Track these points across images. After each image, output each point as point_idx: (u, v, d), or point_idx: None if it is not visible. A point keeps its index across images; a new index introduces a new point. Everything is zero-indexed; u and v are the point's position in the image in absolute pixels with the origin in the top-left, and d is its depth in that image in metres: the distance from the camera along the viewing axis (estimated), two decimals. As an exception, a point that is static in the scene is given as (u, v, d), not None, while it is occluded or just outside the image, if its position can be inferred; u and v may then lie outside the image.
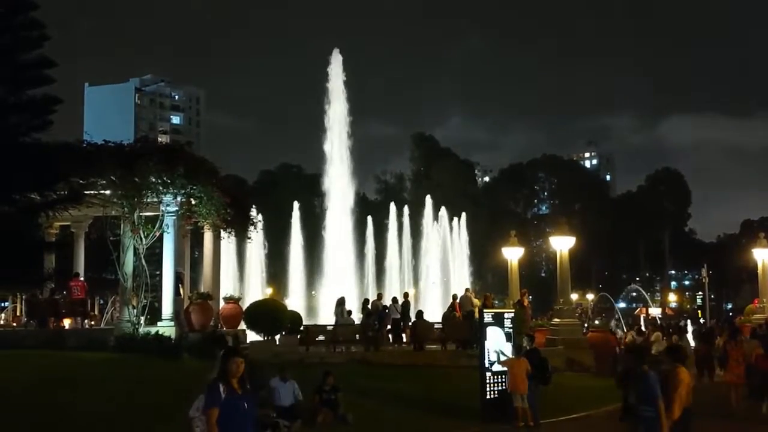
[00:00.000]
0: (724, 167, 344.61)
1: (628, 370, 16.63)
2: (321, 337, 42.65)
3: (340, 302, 44.25)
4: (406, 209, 77.49)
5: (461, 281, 66.85)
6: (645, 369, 15.18)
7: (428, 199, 78.95)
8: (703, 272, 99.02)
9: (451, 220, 78.59)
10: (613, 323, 70.43)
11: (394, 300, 44.21)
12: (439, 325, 43.18)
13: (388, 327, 43.05)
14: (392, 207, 75.89)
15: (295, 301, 61.41)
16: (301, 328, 44.77)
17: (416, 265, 77.81)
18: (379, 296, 46.40)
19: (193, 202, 40.56)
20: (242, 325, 43.07)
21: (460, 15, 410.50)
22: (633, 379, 15.92)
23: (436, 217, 78.40)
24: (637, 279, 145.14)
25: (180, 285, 42.43)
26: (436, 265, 76.23)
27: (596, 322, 72.36)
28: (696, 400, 16.41)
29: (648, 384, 15.00)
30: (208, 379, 12.20)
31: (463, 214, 79.83)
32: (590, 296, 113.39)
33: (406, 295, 45.72)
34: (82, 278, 45.77)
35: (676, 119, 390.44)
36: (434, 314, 48.06)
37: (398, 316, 42.71)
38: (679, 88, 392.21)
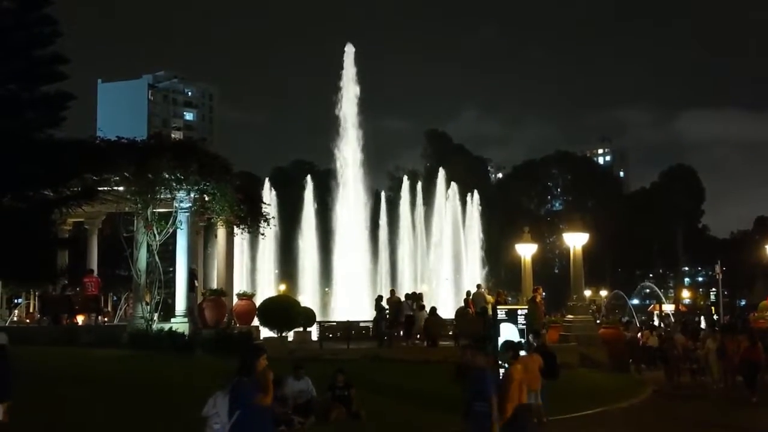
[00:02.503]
0: (740, 163, 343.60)
1: (464, 364, 16.60)
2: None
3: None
4: (419, 207, 77.28)
5: (474, 278, 66.64)
6: (480, 364, 15.19)
7: (441, 196, 78.63)
8: (717, 269, 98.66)
9: (464, 216, 78.31)
10: (625, 320, 70.17)
11: (407, 296, 44.17)
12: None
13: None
14: (405, 205, 75.74)
15: (308, 297, 61.35)
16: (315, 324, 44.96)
17: (429, 262, 77.58)
18: (392, 293, 46.30)
19: (207, 199, 40.59)
20: (255, 322, 43.12)
21: (473, 7, 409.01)
22: (468, 374, 15.94)
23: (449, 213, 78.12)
24: (651, 275, 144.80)
25: (195, 281, 42.50)
26: (448, 262, 76.06)
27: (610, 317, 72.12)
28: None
29: (485, 380, 15.03)
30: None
31: (476, 212, 79.58)
32: (603, 293, 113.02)
33: (414, 293, 45.62)
34: (95, 274, 45.86)
35: (693, 114, 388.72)
36: (447, 311, 48.01)
37: (411, 312, 42.68)
38: (698, 83, 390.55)
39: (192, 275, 41.97)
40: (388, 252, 73.67)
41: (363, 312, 52.87)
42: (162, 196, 39.48)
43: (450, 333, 44.36)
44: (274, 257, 72.29)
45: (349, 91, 66.93)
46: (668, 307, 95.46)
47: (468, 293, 46.10)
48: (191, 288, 41.49)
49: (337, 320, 48.04)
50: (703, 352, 36.80)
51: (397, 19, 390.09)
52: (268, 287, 65.78)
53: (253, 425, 11.70)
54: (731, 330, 36.86)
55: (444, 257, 75.87)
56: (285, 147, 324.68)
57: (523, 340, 25.65)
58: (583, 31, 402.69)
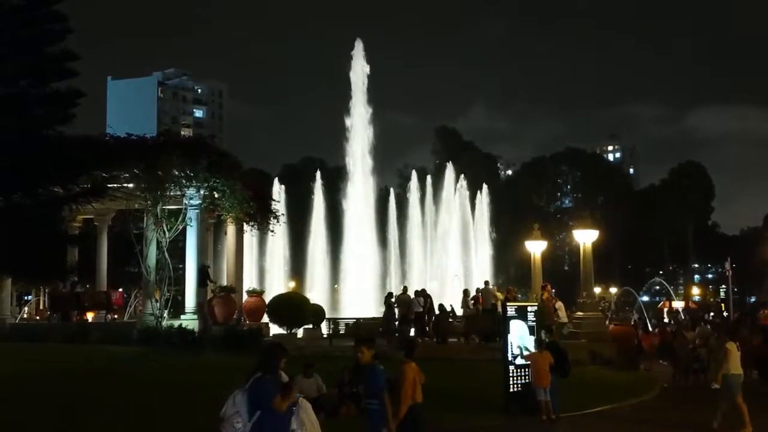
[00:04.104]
0: (750, 160, 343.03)
1: (357, 362, 16.57)
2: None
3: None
4: (429, 204, 77.16)
5: (483, 275, 66.49)
6: (372, 362, 15.16)
7: (450, 193, 78.44)
8: (727, 265, 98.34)
9: (473, 212, 78.17)
10: (635, 317, 69.97)
11: (417, 293, 44.10)
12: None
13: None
14: (415, 202, 75.66)
15: (317, 294, 61.33)
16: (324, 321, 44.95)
17: (438, 259, 77.43)
18: (405, 290, 46.20)
19: (216, 196, 40.67)
20: (265, 319, 43.14)
21: (482, 2, 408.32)
22: (362, 371, 15.90)
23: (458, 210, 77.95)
24: (661, 272, 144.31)
25: (207, 278, 42.52)
26: (458, 259, 75.91)
27: (620, 314, 71.89)
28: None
29: (374, 377, 14.98)
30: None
31: (486, 208, 79.46)
32: (613, 290, 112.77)
33: (423, 291, 45.46)
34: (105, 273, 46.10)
35: (704, 111, 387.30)
36: (456, 307, 47.91)
37: (421, 309, 42.61)
38: (709, 80, 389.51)
39: (205, 272, 42.01)
40: (398, 249, 73.59)
41: (372, 309, 52.85)
42: (171, 193, 39.59)
43: (459, 330, 44.27)
44: (283, 254, 72.23)
45: (359, 87, 66.82)
46: (678, 304, 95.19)
47: (477, 290, 45.99)
48: (204, 285, 41.55)
49: (346, 317, 48.01)
50: (705, 350, 36.50)
51: (405, 15, 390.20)
52: (277, 284, 65.74)
53: (274, 427, 11.56)
54: (735, 327, 36.62)
55: (453, 254, 75.65)
56: (294, 144, 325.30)
57: (534, 337, 25.63)
58: (594, 27, 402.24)
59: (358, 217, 65.72)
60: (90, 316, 45.61)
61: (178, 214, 40.35)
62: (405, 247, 74.60)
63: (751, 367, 34.78)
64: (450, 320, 43.67)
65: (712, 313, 79.36)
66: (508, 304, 28.61)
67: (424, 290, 45.30)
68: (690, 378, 37.03)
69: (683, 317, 62.46)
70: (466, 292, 45.43)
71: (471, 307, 43.49)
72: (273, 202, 49.51)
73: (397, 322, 42.73)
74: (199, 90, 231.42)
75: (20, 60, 33.34)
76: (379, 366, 15.25)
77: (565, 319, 43.25)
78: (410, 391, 16.00)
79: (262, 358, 11.92)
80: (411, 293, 44.18)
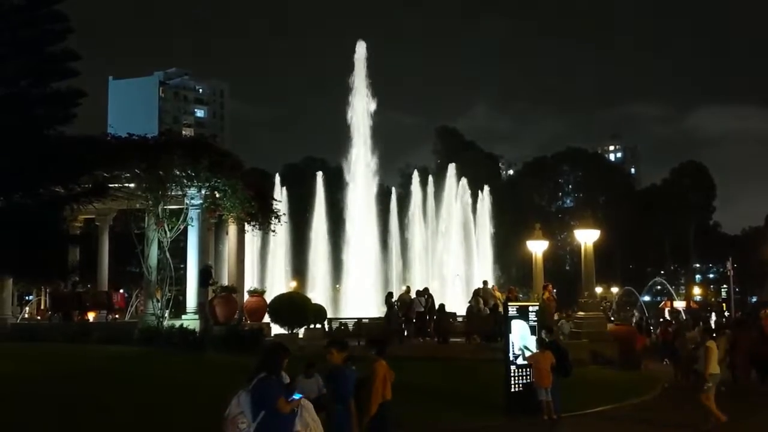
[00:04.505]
0: (752, 160, 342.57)
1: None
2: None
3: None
4: (430, 203, 77.16)
5: (485, 275, 66.43)
6: (343, 364, 15.15)
7: (451, 192, 78.36)
8: (728, 265, 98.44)
9: (474, 212, 78.15)
10: (636, 316, 70.00)
11: (418, 293, 44.08)
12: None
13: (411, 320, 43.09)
14: (416, 202, 75.68)
15: (319, 294, 61.35)
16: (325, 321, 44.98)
17: (439, 258, 77.39)
18: (408, 290, 46.13)
19: (218, 195, 40.66)
20: (266, 319, 43.15)
21: (483, 2, 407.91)
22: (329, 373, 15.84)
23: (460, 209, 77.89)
24: (662, 272, 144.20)
25: (210, 278, 42.51)
26: (459, 259, 75.87)
27: (621, 314, 71.99)
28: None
29: (343, 380, 15.11)
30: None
31: (488, 207, 79.42)
32: (615, 289, 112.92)
33: (425, 290, 45.34)
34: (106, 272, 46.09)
35: (705, 110, 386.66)
36: (457, 308, 47.90)
37: (422, 309, 42.62)
38: (711, 79, 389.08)
39: (207, 272, 41.99)
40: (399, 249, 73.60)
41: (374, 309, 52.85)
42: (173, 193, 39.58)
43: (461, 330, 44.27)
44: (285, 254, 72.25)
45: (361, 87, 66.82)
46: (679, 304, 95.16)
47: (478, 290, 45.97)
48: (207, 285, 41.55)
49: (347, 317, 48.00)
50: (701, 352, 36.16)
51: (406, 15, 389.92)
52: (278, 284, 65.77)
53: (279, 427, 11.55)
54: (740, 324, 36.62)
55: (454, 254, 75.62)
56: (296, 144, 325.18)
57: (535, 337, 25.62)
58: (595, 27, 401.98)
59: (359, 217, 65.73)
60: (91, 316, 45.60)
61: (180, 214, 40.34)
62: (406, 247, 74.61)
63: (750, 368, 34.85)
64: (451, 320, 43.70)
65: (713, 313, 79.41)
66: (509, 303, 28.61)
67: (426, 289, 45.27)
68: (691, 378, 37.02)
69: (684, 317, 62.48)
70: (478, 292, 45.49)
71: (483, 306, 43.40)
72: (274, 202, 49.50)
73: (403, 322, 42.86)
74: (201, 90, 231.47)
75: (21, 60, 33.35)
76: (351, 368, 15.25)
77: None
78: (381, 388, 16.03)
79: (265, 359, 11.90)
80: (413, 293, 44.22)
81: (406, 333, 42.68)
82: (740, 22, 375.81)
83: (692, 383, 35.81)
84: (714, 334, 30.83)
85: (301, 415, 12.18)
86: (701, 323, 47.43)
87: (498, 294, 45.31)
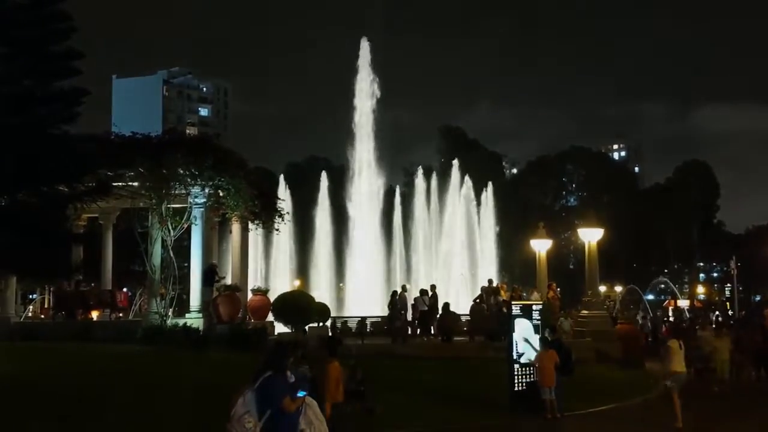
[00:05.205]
0: (756, 158, 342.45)
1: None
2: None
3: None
4: (434, 202, 77.05)
5: (488, 273, 66.37)
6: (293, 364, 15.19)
7: (455, 191, 78.25)
8: (732, 264, 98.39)
9: (479, 210, 78.05)
10: (640, 315, 69.94)
11: (422, 292, 44.04)
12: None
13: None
14: (420, 201, 75.61)
15: (322, 293, 61.33)
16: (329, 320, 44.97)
17: (443, 257, 77.32)
18: (404, 288, 46.04)
19: (221, 194, 40.68)
20: (270, 317, 43.15)
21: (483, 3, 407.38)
22: None
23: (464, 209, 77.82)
24: (666, 271, 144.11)
25: (216, 275, 42.52)
26: (463, 258, 75.78)
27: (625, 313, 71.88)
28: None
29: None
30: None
31: (491, 206, 79.32)
32: (618, 288, 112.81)
33: (433, 287, 45.26)
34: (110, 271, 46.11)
35: (710, 109, 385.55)
36: (461, 307, 47.89)
37: (426, 308, 42.59)
38: (715, 77, 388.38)
39: (212, 271, 41.99)
40: (403, 247, 73.54)
41: (378, 307, 52.83)
42: (176, 192, 39.59)
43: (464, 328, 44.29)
44: (288, 253, 72.22)
45: (364, 86, 66.87)
46: (683, 303, 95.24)
47: (482, 289, 45.99)
48: (212, 284, 41.55)
49: (351, 315, 47.99)
50: (707, 351, 35.91)
51: (406, 14, 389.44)
52: (282, 283, 65.73)
53: (285, 426, 11.53)
54: (744, 322, 36.63)
55: (458, 252, 75.53)
56: (300, 143, 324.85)
57: (539, 336, 25.60)
58: (594, 27, 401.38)
59: (363, 216, 65.78)
60: (95, 314, 45.65)
61: (183, 213, 40.38)
62: (410, 246, 74.52)
63: (751, 367, 34.86)
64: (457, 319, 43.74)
65: (717, 312, 79.39)
66: (513, 302, 28.60)
67: (433, 286, 45.21)
68: (695, 377, 36.99)
69: (687, 316, 62.51)
70: (487, 290, 45.47)
71: (492, 302, 43.41)
72: (278, 201, 49.52)
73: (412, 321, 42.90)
74: (204, 88, 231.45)
75: (25, 59, 33.30)
76: (303, 368, 15.22)
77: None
78: (333, 389, 16.04)
79: (271, 357, 11.89)
80: (415, 292, 44.22)
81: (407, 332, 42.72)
82: (744, 19, 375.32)
83: (695, 382, 36.01)
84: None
85: (305, 413, 12.17)
86: (712, 324, 47.41)
87: (504, 293, 45.29)
